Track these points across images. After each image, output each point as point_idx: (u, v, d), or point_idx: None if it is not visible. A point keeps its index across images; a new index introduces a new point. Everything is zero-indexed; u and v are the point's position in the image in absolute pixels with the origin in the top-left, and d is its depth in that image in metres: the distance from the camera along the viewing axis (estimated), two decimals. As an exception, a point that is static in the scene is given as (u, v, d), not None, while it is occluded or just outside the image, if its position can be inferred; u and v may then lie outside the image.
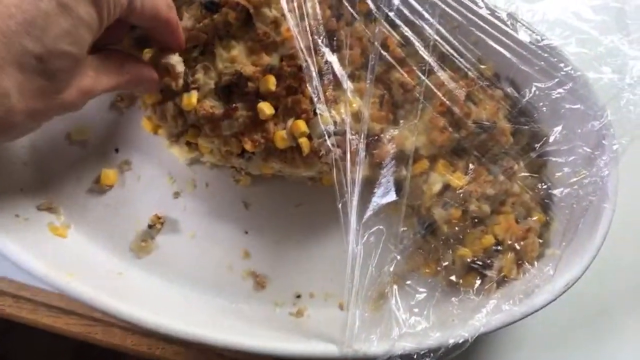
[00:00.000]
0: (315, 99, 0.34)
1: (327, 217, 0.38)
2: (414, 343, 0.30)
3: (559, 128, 0.34)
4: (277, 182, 0.38)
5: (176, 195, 0.38)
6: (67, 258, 0.33)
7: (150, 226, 0.36)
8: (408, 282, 0.33)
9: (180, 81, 0.34)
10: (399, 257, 0.32)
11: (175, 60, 0.33)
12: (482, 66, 0.37)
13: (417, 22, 0.35)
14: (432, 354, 0.30)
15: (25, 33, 0.24)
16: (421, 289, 0.32)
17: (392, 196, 0.33)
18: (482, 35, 0.35)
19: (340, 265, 0.36)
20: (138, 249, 0.36)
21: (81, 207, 0.36)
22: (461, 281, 0.35)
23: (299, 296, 0.37)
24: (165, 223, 0.37)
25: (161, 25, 0.31)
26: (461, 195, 0.35)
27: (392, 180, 0.33)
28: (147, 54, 0.34)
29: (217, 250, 0.37)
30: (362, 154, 0.33)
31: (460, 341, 0.30)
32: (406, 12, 0.35)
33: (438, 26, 0.35)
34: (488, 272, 0.34)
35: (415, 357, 0.29)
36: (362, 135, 0.34)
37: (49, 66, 0.25)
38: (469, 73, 0.37)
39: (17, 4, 0.24)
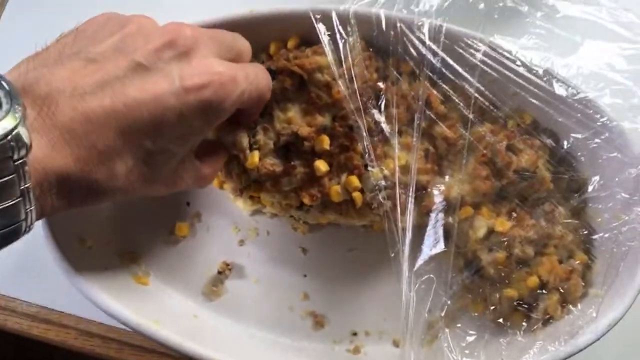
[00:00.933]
0: (366, 156, 0.37)
1: (379, 260, 0.41)
2: (465, 384, 0.33)
3: (597, 177, 0.36)
4: (332, 229, 0.41)
5: (241, 243, 0.42)
6: (150, 304, 0.37)
7: (219, 272, 0.40)
8: (458, 325, 0.35)
9: (248, 152, 0.38)
10: (449, 302, 0.35)
11: (241, 135, 0.37)
12: (521, 119, 0.39)
13: (457, 81, 0.38)
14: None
15: (146, 135, 0.28)
16: (471, 331, 0.35)
17: (440, 246, 0.35)
18: (520, 91, 0.38)
19: (392, 305, 0.39)
20: (209, 293, 0.40)
21: (159, 257, 0.40)
22: (508, 322, 0.37)
23: (355, 334, 0.40)
24: (232, 269, 0.41)
25: (260, 106, 0.36)
26: (505, 240, 0.38)
27: (440, 230, 0.36)
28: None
29: (278, 293, 0.40)
30: (411, 205, 0.36)
31: (510, 381, 0.32)
32: (447, 72, 0.38)
33: (477, 84, 0.38)
34: (534, 314, 0.37)
35: (466, 396, 0.32)
36: (411, 188, 0.37)
37: (155, 159, 0.29)
38: (508, 124, 0.39)
39: (149, 108, 0.28)
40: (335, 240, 0.41)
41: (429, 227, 0.36)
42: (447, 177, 0.39)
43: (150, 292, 0.39)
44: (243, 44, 0.36)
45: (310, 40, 0.40)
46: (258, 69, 0.35)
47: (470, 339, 0.35)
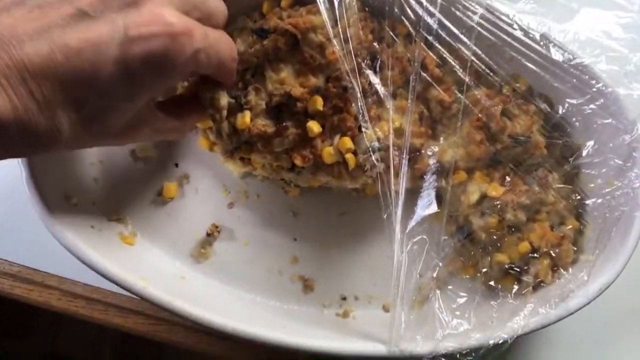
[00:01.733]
0: (360, 117, 0.37)
1: (370, 225, 0.41)
2: (456, 343, 0.32)
3: (591, 142, 0.36)
4: (324, 192, 0.41)
5: (230, 205, 0.41)
6: (136, 264, 0.36)
7: (208, 234, 0.40)
8: (450, 287, 0.35)
9: (224, 112, 0.37)
10: (440, 264, 0.35)
11: (220, 94, 0.36)
12: (517, 84, 0.39)
13: (453, 43, 0.38)
14: (473, 354, 0.32)
15: (89, 88, 0.27)
16: (462, 294, 0.35)
17: (433, 207, 0.35)
18: (516, 55, 0.38)
19: (382, 270, 0.39)
20: (198, 255, 0.40)
21: (146, 217, 0.40)
22: (499, 285, 0.37)
23: (344, 298, 0.40)
24: (221, 231, 0.40)
25: (222, 73, 0.34)
26: (498, 204, 0.38)
27: (433, 192, 0.36)
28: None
29: (268, 256, 0.40)
30: (404, 167, 0.36)
31: (500, 342, 0.32)
32: (443, 34, 0.38)
33: (474, 47, 0.37)
34: (525, 277, 0.37)
35: (458, 356, 0.32)
36: (405, 150, 0.36)
37: (104, 113, 0.28)
38: (504, 89, 0.39)
39: (89, 58, 0.26)
40: (327, 203, 0.41)
41: (423, 189, 0.36)
42: (441, 141, 0.39)
43: (137, 252, 0.38)
44: (215, 5, 0.33)
45: (304, 0, 0.39)
46: (221, 34, 0.33)
47: (461, 300, 0.34)
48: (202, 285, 0.38)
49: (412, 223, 0.34)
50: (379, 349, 0.33)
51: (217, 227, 0.40)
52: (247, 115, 0.38)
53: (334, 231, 0.41)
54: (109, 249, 0.36)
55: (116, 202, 0.39)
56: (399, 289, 0.33)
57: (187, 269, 0.39)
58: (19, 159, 0.33)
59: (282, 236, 0.40)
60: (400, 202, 0.35)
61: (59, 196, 0.35)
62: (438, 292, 0.34)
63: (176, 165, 0.41)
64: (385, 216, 0.34)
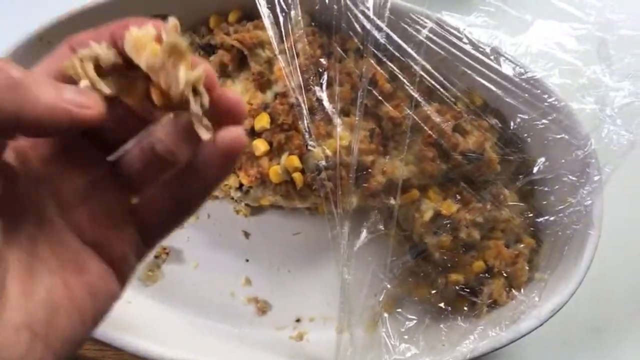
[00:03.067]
0: (307, 135, 0.36)
1: (324, 244, 0.39)
2: (402, 369, 0.31)
3: (542, 159, 0.35)
4: (275, 211, 0.40)
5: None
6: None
7: (156, 256, 0.39)
8: (399, 309, 0.34)
9: None
10: (389, 286, 0.34)
11: None
12: (471, 100, 0.38)
13: (403, 58, 0.37)
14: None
15: None
16: (411, 317, 0.34)
17: (380, 227, 0.34)
18: (467, 70, 0.37)
19: (337, 290, 0.38)
20: (145, 278, 0.38)
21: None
22: (449, 308, 0.36)
23: (298, 320, 0.39)
24: (170, 253, 0.39)
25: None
26: (452, 222, 0.37)
27: (383, 211, 0.35)
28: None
29: (219, 278, 0.39)
30: (352, 187, 0.35)
31: (447, 367, 0.31)
32: (392, 49, 0.37)
33: (423, 62, 0.36)
34: (478, 299, 0.36)
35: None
36: (353, 168, 0.35)
37: None
38: (457, 104, 0.38)
39: None
40: (279, 224, 0.40)
41: (372, 209, 0.35)
42: (392, 158, 0.38)
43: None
44: None
45: (253, 14, 0.38)
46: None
47: (410, 324, 0.33)
48: (149, 309, 0.37)
49: (359, 243, 0.34)
50: (323, 375, 0.32)
51: (165, 248, 0.39)
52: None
53: (287, 251, 0.40)
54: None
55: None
56: (346, 312, 0.32)
57: (134, 293, 0.38)
58: None
59: (233, 257, 0.39)
60: (347, 222, 0.34)
61: None
62: (386, 315, 0.33)
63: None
64: (330, 237, 0.33)
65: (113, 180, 0.22)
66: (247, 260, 0.39)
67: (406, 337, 0.32)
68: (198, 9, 0.38)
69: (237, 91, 0.38)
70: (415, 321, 0.34)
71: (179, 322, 0.37)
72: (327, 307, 0.39)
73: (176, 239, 0.39)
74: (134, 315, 0.36)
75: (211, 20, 0.39)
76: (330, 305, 0.39)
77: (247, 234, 0.40)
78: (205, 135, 0.21)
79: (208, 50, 0.39)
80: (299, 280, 0.39)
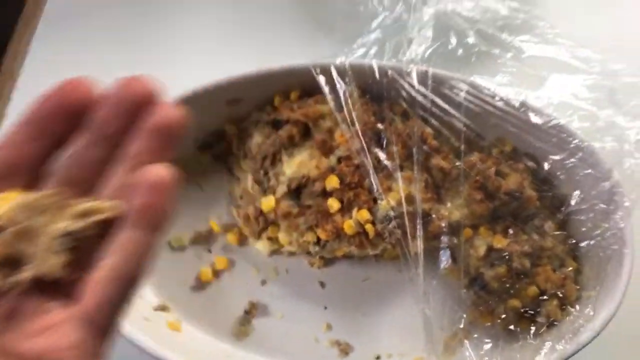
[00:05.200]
0: (375, 190, 0.41)
1: (392, 286, 0.44)
2: (489, 387, 0.36)
3: (577, 192, 0.41)
4: (346, 261, 0.45)
5: (263, 282, 0.44)
6: (187, 348, 0.40)
7: (246, 312, 0.43)
8: (475, 335, 0.39)
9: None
10: (464, 316, 0.39)
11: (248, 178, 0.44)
12: (503, 146, 0.44)
13: (445, 117, 0.43)
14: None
15: None
16: (487, 340, 0.39)
17: (449, 264, 0.39)
18: (499, 122, 0.43)
19: (409, 327, 0.43)
20: (239, 333, 0.43)
21: (187, 303, 0.43)
22: (518, 329, 0.41)
23: (378, 357, 0.43)
24: (258, 308, 0.43)
25: None
26: (505, 254, 0.42)
27: (447, 252, 0.40)
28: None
29: (303, 326, 0.43)
30: (419, 231, 0.40)
31: (527, 380, 0.36)
32: (436, 110, 0.43)
33: (464, 119, 0.43)
34: (538, 319, 0.41)
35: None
36: (419, 215, 0.41)
37: None
38: (493, 152, 0.45)
39: None
40: (350, 271, 0.45)
41: (440, 250, 0.40)
42: (448, 204, 0.43)
43: (184, 337, 0.41)
44: None
45: (309, 92, 0.45)
46: None
47: (487, 347, 0.38)
48: (246, 360, 0.41)
49: (433, 281, 0.39)
50: (419, 400, 0.36)
51: (254, 304, 0.43)
52: (272, 199, 0.43)
53: (360, 296, 0.44)
54: (161, 337, 0.39)
55: (160, 293, 0.43)
56: (432, 343, 0.37)
57: (231, 347, 0.42)
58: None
59: (313, 306, 0.44)
60: (421, 263, 0.39)
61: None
62: (466, 341, 0.38)
63: (209, 251, 0.45)
64: (409, 278, 0.38)
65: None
66: (326, 308, 0.44)
67: (486, 358, 0.37)
68: (264, 91, 0.44)
69: (305, 158, 0.44)
70: (490, 344, 0.38)
71: (273, 370, 0.42)
72: (402, 343, 0.43)
73: (261, 294, 0.44)
74: (235, 367, 0.40)
75: (275, 100, 0.45)
76: (405, 341, 0.43)
77: (322, 284, 0.45)
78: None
79: (275, 125, 0.44)
80: (373, 321, 0.44)
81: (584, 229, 0.42)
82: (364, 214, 0.41)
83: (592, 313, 0.38)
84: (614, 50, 0.46)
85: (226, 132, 0.46)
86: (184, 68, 0.50)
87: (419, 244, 0.40)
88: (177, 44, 0.54)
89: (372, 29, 0.47)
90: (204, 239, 0.45)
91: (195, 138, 0.46)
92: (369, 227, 0.41)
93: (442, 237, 0.41)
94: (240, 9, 0.55)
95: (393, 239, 0.41)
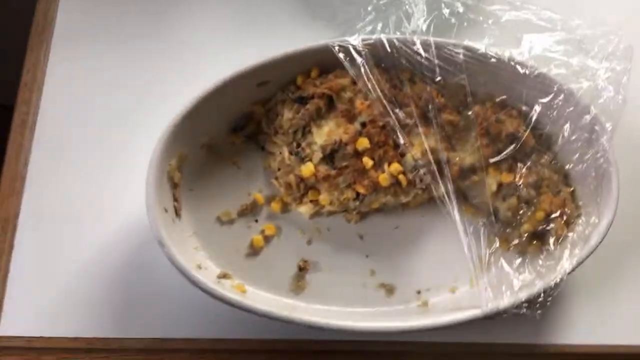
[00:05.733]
0: (402, 145, 0.47)
1: (419, 230, 0.50)
2: (528, 292, 0.43)
3: (567, 126, 0.49)
4: (378, 214, 0.50)
5: (309, 242, 0.49)
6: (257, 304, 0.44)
7: (300, 268, 0.47)
8: (506, 254, 0.45)
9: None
10: (497, 238, 0.46)
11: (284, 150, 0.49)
12: (494, 100, 0.52)
13: (447, 77, 0.50)
14: (541, 297, 0.43)
15: None
16: (516, 256, 0.45)
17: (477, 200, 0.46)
18: (493, 77, 0.50)
19: (440, 262, 0.49)
20: (296, 288, 0.47)
21: (245, 269, 0.47)
22: (530, 249, 0.48)
23: (419, 292, 0.48)
24: (310, 264, 0.48)
25: None
26: (513, 187, 0.49)
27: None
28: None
29: (351, 275, 0.48)
30: (447, 173, 0.46)
31: (558, 281, 0.43)
32: (440, 72, 0.50)
33: (465, 77, 0.50)
34: (549, 237, 0.48)
35: (532, 299, 0.42)
36: (443, 161, 0.47)
37: None
38: (486, 104, 0.52)
39: None
40: (383, 222, 0.50)
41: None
42: (459, 151, 0.50)
43: (251, 297, 0.45)
44: None
45: (327, 69, 0.50)
46: None
47: (517, 261, 0.45)
48: (309, 310, 0.46)
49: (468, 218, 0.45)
50: (474, 312, 0.42)
51: (305, 261, 0.48)
52: (310, 165, 0.47)
53: (394, 242, 0.50)
54: (235, 295, 0.43)
55: (222, 264, 0.46)
56: (475, 263, 0.43)
57: (293, 301, 0.46)
58: (157, 238, 0.40)
59: (356, 256, 0.49)
60: (454, 201, 0.45)
61: (192, 263, 0.42)
62: (502, 259, 0.44)
63: (256, 221, 0.49)
64: (449, 215, 0.45)
65: None
66: (367, 256, 0.49)
67: (521, 269, 0.44)
68: (288, 72, 0.49)
69: (333, 127, 0.49)
70: (520, 259, 0.45)
71: (332, 315, 0.46)
72: (436, 277, 0.49)
73: (310, 252, 0.48)
74: (300, 315, 0.45)
75: (298, 79, 0.50)
76: (438, 274, 0.49)
77: (361, 236, 0.50)
78: None
79: (301, 101, 0.49)
80: (410, 262, 0.49)
81: (575, 157, 0.50)
82: (396, 166, 0.47)
83: (597, 221, 0.46)
84: (570, 11, 0.54)
85: (254, 113, 0.50)
86: (197, 68, 0.54)
87: (450, 185, 0.46)
88: (187, 47, 0.57)
89: (369, 10, 0.53)
90: (250, 211, 0.49)
91: (227, 122, 0.50)
92: (401, 177, 0.47)
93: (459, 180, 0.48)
94: (238, 8, 0.59)
95: (423, 184, 0.47)
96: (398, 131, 0.47)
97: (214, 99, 0.46)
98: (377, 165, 0.48)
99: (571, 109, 0.50)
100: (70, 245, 0.48)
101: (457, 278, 0.49)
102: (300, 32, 0.58)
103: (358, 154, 0.48)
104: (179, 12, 0.57)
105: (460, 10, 0.52)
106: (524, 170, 0.50)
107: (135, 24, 0.56)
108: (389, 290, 0.48)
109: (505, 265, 0.44)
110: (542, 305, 0.42)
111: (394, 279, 0.49)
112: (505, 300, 0.42)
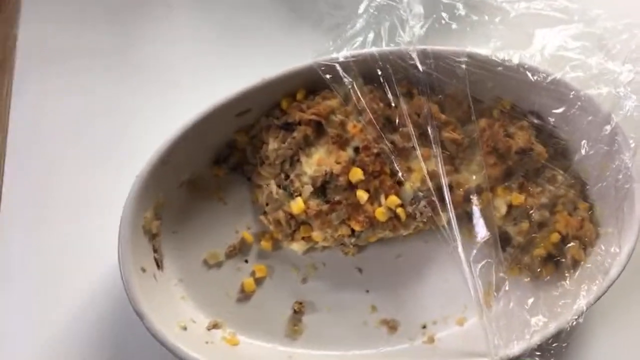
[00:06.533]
0: (399, 174, 0.43)
1: (423, 258, 0.47)
2: (541, 336, 0.39)
3: (585, 141, 0.44)
4: (376, 244, 0.46)
5: (304, 281, 0.46)
6: (250, 358, 0.41)
7: (295, 312, 0.44)
8: (518, 293, 0.42)
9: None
10: (505, 276, 0.42)
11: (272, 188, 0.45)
12: (502, 106, 0.46)
13: (447, 90, 0.45)
14: (556, 342, 0.39)
15: None
16: (529, 295, 0.42)
17: (485, 233, 0.42)
18: (499, 84, 0.45)
19: (445, 292, 0.46)
20: (292, 333, 0.44)
21: (237, 315, 0.44)
22: (543, 273, 0.44)
23: (424, 326, 0.45)
24: (305, 305, 0.45)
25: None
26: (524, 210, 0.45)
27: (480, 219, 0.42)
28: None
29: (350, 314, 0.45)
30: (450, 203, 0.42)
31: (574, 323, 0.39)
32: (439, 85, 0.44)
33: (468, 90, 0.44)
34: (563, 262, 0.44)
35: (546, 345, 0.39)
36: (445, 188, 0.42)
37: None
38: (493, 113, 0.46)
39: None
40: (382, 252, 0.46)
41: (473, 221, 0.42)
42: (464, 173, 0.45)
43: (243, 349, 0.42)
44: None
45: (313, 89, 0.45)
46: None
47: (530, 300, 0.41)
48: (307, 357, 0.43)
49: (474, 251, 0.41)
50: (483, 361, 0.39)
51: (300, 303, 0.45)
52: (300, 201, 0.43)
53: (396, 273, 0.46)
54: (225, 356, 0.40)
55: (209, 311, 0.43)
56: (481, 306, 0.40)
57: (289, 348, 0.43)
58: (135, 309, 0.37)
59: (355, 292, 0.46)
60: (457, 233, 0.41)
61: (175, 327, 0.39)
62: (511, 302, 0.41)
63: (246, 261, 0.46)
64: (451, 247, 0.41)
65: None
66: (367, 291, 0.46)
67: (533, 311, 0.40)
68: (270, 96, 0.44)
69: (323, 155, 0.44)
70: (532, 298, 0.41)
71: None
72: (442, 309, 0.46)
73: (305, 292, 0.45)
74: (299, 366, 0.42)
75: (283, 103, 0.45)
76: (444, 306, 0.46)
77: (360, 270, 0.46)
78: None
79: (287, 128, 0.45)
80: (413, 294, 0.46)
81: (593, 173, 0.45)
82: (394, 200, 0.43)
83: (617, 250, 0.41)
84: (588, -1, 0.48)
85: (237, 141, 0.46)
86: (180, 91, 0.50)
87: (452, 215, 0.42)
88: (167, 69, 0.52)
89: (360, 14, 0.47)
90: (239, 251, 0.46)
91: (208, 155, 0.46)
92: (399, 210, 0.43)
93: (462, 204, 0.43)
94: (220, 20, 0.54)
95: (424, 217, 0.43)
96: (394, 159, 0.43)
97: (191, 136, 0.42)
98: (373, 198, 0.43)
99: (589, 118, 0.44)
100: (40, 305, 0.45)
101: (466, 308, 0.45)
102: (284, 40, 0.52)
103: (352, 186, 0.43)
104: (146, 29, 0.52)
105: (462, 12, 0.46)
106: (536, 189, 0.45)
107: (102, 45, 0.51)
108: (392, 327, 0.45)
109: (515, 304, 0.40)
110: (557, 353, 0.39)
111: (396, 313, 0.45)
112: (517, 349, 0.39)
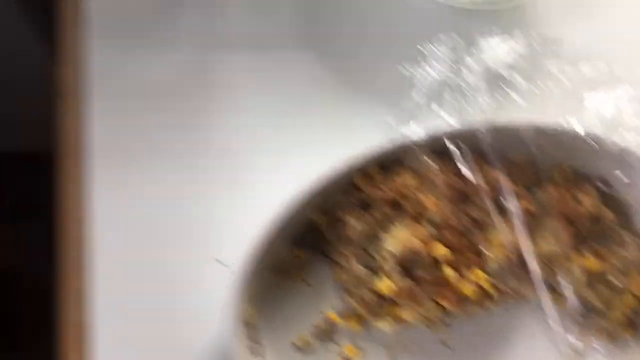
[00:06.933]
0: (485, 249, 0.44)
1: (511, 330, 0.47)
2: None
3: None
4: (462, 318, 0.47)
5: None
6: None
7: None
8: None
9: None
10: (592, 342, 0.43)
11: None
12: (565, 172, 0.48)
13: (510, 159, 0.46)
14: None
15: None
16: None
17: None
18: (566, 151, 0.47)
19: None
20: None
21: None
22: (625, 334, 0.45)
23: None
24: (398, 385, 0.45)
25: None
26: (601, 275, 0.46)
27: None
28: None
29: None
30: (536, 274, 0.43)
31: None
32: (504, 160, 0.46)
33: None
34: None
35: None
36: (530, 259, 0.43)
37: None
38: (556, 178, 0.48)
39: None
40: (469, 327, 0.47)
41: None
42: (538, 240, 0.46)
43: None
44: None
45: (385, 165, 0.46)
46: None
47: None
48: None
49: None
50: None
51: (395, 385, 0.45)
52: (387, 280, 0.44)
53: (489, 347, 0.47)
54: None
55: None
56: None
57: None
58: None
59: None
60: (547, 304, 0.42)
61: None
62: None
63: (335, 342, 0.46)
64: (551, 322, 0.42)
65: None
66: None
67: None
68: (346, 176, 0.45)
69: (404, 231, 0.45)
70: None
71: None
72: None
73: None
74: None
75: (359, 180, 0.46)
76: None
77: (449, 347, 0.47)
78: None
79: (364, 207, 0.46)
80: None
81: (663, 234, 0.46)
82: (480, 274, 0.44)
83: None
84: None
85: (315, 221, 0.47)
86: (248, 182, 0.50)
87: (541, 286, 0.43)
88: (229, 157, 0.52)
89: (418, 89, 0.49)
90: (326, 332, 0.46)
91: (289, 237, 0.46)
92: (487, 285, 0.44)
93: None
94: (280, 110, 0.54)
95: (510, 288, 0.44)
96: (474, 232, 0.44)
97: (280, 227, 0.42)
98: (459, 274, 0.44)
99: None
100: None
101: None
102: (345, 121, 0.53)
103: (436, 262, 0.44)
104: (212, 119, 0.52)
105: (523, 83, 0.48)
106: (608, 253, 0.47)
107: (167, 137, 0.51)
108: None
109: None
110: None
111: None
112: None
